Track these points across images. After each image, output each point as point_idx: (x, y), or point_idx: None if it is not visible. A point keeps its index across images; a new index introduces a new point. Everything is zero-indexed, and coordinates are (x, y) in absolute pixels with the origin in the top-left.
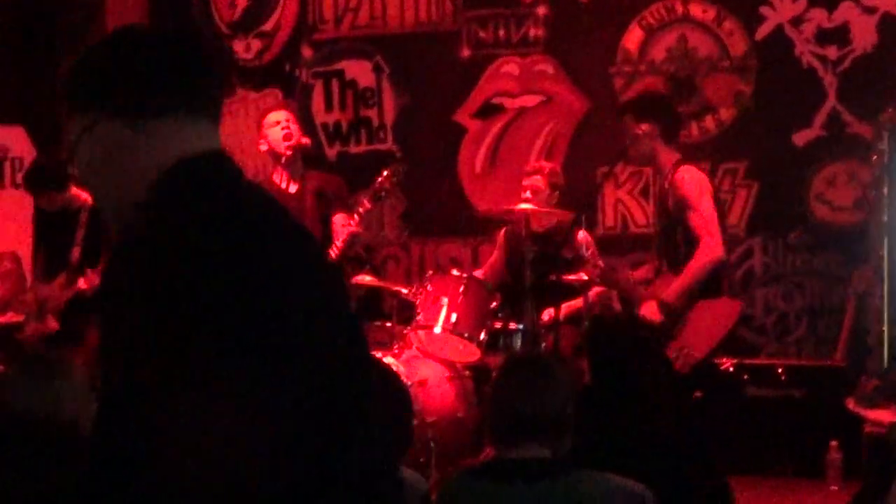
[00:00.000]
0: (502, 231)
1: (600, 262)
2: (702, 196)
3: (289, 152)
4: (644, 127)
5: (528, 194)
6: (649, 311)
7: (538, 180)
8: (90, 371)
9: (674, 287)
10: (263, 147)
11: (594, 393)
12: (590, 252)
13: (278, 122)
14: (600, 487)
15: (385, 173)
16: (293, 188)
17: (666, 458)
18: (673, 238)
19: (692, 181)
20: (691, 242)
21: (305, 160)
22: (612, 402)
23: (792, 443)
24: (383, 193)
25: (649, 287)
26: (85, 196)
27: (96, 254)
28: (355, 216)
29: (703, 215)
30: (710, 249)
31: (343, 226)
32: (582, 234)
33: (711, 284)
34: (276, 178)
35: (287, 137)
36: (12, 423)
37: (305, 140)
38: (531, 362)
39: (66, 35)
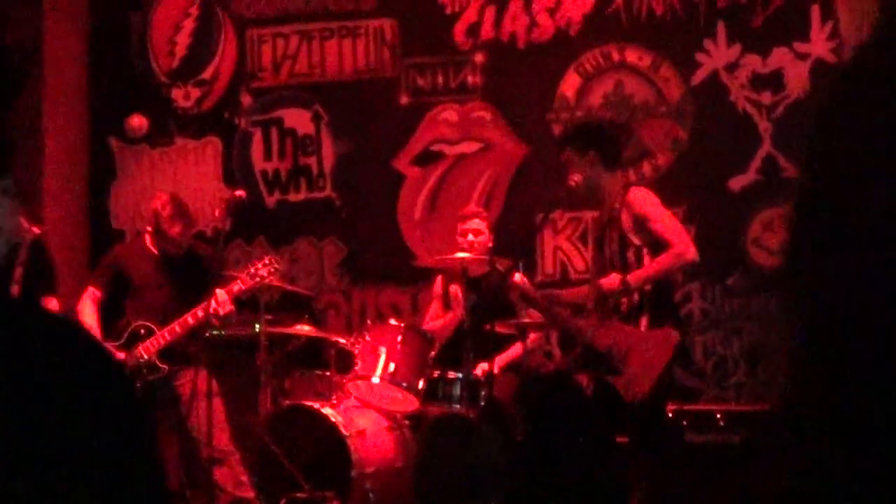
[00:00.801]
0: (439, 278)
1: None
2: (659, 207)
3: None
4: (586, 156)
5: (470, 237)
6: (609, 282)
7: (478, 224)
8: None
9: (639, 272)
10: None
11: (528, 445)
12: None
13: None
14: None
15: (261, 265)
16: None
17: None
18: (624, 261)
19: (647, 197)
20: (642, 261)
21: (244, 209)
22: (546, 455)
23: (732, 488)
24: (257, 280)
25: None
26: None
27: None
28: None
29: (667, 222)
30: (681, 251)
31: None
32: (518, 277)
33: (664, 311)
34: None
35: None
36: None
37: (240, 193)
38: (459, 422)
39: (3, 80)
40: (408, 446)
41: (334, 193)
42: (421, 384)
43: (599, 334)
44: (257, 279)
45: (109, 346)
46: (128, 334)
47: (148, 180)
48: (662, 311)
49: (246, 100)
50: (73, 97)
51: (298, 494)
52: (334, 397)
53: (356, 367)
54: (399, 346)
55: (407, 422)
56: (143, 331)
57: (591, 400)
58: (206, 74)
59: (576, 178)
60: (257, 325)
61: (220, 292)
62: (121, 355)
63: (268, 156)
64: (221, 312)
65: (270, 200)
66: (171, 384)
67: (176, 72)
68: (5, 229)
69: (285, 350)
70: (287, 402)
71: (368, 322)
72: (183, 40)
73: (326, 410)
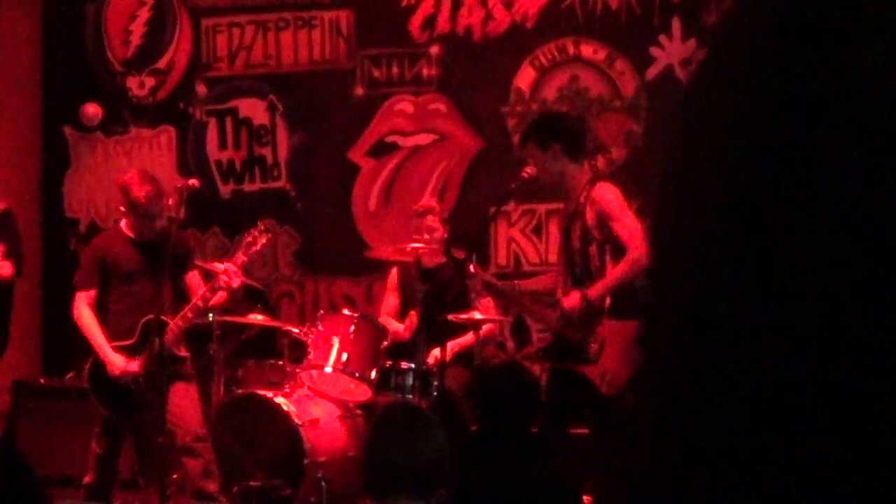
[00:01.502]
0: (394, 270)
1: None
2: (623, 207)
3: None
4: (548, 149)
5: (425, 236)
6: (570, 301)
7: (432, 220)
8: None
9: (597, 284)
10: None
11: (479, 440)
12: (477, 284)
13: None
14: None
15: (255, 233)
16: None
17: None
18: (586, 255)
19: (612, 194)
20: (606, 257)
21: (198, 198)
22: (497, 448)
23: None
24: (254, 251)
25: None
26: None
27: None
28: (232, 268)
29: (628, 225)
30: (637, 256)
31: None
32: (472, 268)
33: (626, 303)
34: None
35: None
36: None
37: (193, 181)
38: (406, 412)
39: None
40: (360, 436)
41: (289, 184)
42: (373, 374)
43: (573, 303)
44: (259, 245)
45: (122, 346)
46: (140, 331)
47: (102, 169)
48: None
49: (201, 89)
50: (27, 85)
51: (251, 483)
52: (287, 386)
53: (309, 357)
54: (352, 336)
55: (360, 411)
56: (153, 324)
57: (549, 391)
58: (161, 64)
59: (529, 170)
60: (210, 315)
61: (227, 265)
62: (133, 366)
63: (223, 145)
64: (235, 285)
65: (225, 190)
66: (188, 367)
67: (131, 61)
68: None
69: (238, 339)
70: (240, 391)
71: (321, 311)
72: (138, 29)
73: (279, 399)
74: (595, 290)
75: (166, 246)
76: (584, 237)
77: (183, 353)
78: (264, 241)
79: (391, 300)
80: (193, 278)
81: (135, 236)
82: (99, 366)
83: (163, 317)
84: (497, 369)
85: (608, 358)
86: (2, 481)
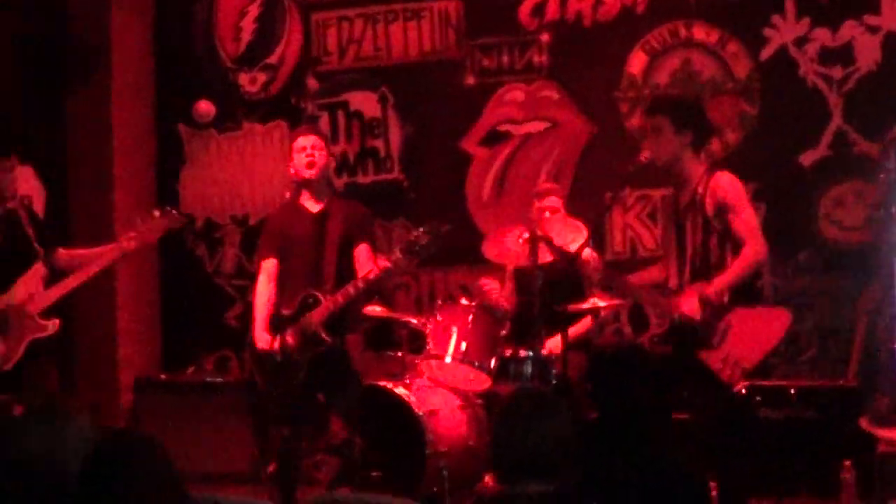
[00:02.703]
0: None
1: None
2: (743, 199)
3: (312, 177)
4: (682, 133)
5: (547, 215)
6: (689, 306)
7: (554, 200)
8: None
9: (716, 283)
10: (291, 171)
11: (600, 424)
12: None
13: (304, 149)
14: None
15: (421, 230)
16: (316, 208)
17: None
18: (707, 248)
19: (732, 185)
20: (725, 247)
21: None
22: (617, 433)
23: (805, 464)
24: (417, 248)
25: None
26: None
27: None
28: (387, 261)
29: (747, 218)
30: (756, 251)
31: (376, 260)
32: (587, 252)
33: (750, 291)
34: (301, 199)
35: (310, 165)
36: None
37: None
38: (533, 397)
39: (72, 73)
40: (480, 425)
41: (402, 175)
42: (492, 363)
43: (692, 309)
44: (416, 248)
45: (284, 315)
46: (299, 304)
47: (216, 166)
48: (751, 290)
49: (312, 84)
50: (141, 85)
51: (373, 474)
52: (407, 377)
53: (428, 347)
54: (470, 326)
55: (479, 400)
56: (311, 300)
57: (669, 377)
58: (273, 59)
59: (646, 154)
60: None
61: (382, 260)
62: (289, 339)
63: (335, 139)
64: (395, 277)
65: (339, 183)
66: (344, 355)
67: (242, 57)
68: None
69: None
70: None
71: (439, 302)
72: (248, 25)
73: (399, 390)
74: (714, 288)
75: (331, 217)
76: (706, 228)
77: (327, 337)
78: (423, 242)
79: (508, 290)
80: (362, 253)
81: (311, 211)
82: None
83: (319, 294)
84: (618, 353)
85: (732, 343)
86: (146, 470)
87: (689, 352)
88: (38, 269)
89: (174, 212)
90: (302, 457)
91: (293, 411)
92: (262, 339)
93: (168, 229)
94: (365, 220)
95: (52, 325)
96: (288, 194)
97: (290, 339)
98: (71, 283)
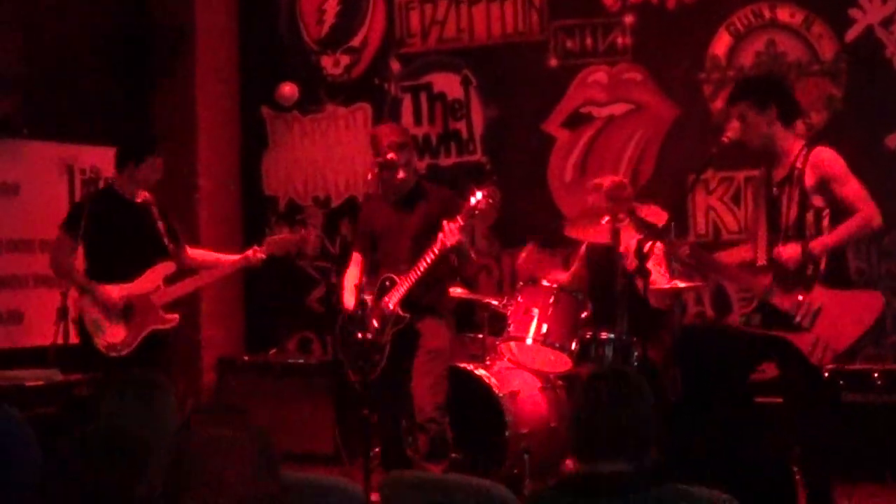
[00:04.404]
0: (584, 244)
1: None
2: (847, 169)
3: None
4: (766, 111)
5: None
6: (789, 252)
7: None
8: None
9: (823, 239)
10: (369, 177)
11: (685, 404)
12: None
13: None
14: (685, 501)
15: (480, 195)
16: (400, 199)
17: (755, 473)
18: (802, 223)
19: (834, 157)
20: (822, 224)
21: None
22: (702, 414)
23: (889, 449)
24: (476, 212)
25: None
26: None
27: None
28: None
29: (854, 186)
30: (870, 214)
31: (446, 234)
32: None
33: (841, 274)
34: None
35: (389, 181)
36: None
37: (391, 156)
38: (614, 376)
39: (159, 57)
40: (561, 406)
41: (484, 157)
42: (574, 345)
43: (782, 290)
44: (479, 209)
45: (367, 298)
46: (378, 287)
47: (299, 148)
48: (840, 273)
49: (395, 66)
50: (225, 69)
51: (453, 455)
52: (487, 359)
53: (509, 329)
54: (551, 308)
55: (560, 382)
56: (388, 282)
57: (757, 358)
58: (356, 42)
59: (730, 135)
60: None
61: (446, 224)
62: (374, 321)
63: (418, 121)
64: (449, 243)
65: (421, 165)
66: (417, 333)
67: (325, 40)
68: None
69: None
70: None
71: (520, 284)
72: (331, 8)
73: (480, 372)
74: (820, 243)
75: (413, 204)
76: (802, 203)
77: (403, 314)
78: (483, 205)
79: (576, 268)
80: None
81: (382, 195)
82: (345, 325)
83: (395, 276)
84: (707, 333)
85: (822, 326)
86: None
87: (778, 333)
88: (168, 265)
89: (303, 231)
90: (402, 437)
91: (380, 393)
92: (349, 301)
93: (296, 247)
94: (452, 204)
95: (173, 319)
96: (370, 177)
97: (374, 322)
98: (195, 282)
